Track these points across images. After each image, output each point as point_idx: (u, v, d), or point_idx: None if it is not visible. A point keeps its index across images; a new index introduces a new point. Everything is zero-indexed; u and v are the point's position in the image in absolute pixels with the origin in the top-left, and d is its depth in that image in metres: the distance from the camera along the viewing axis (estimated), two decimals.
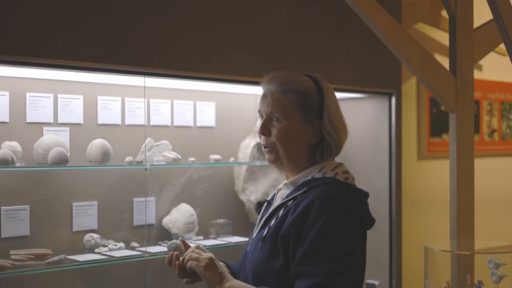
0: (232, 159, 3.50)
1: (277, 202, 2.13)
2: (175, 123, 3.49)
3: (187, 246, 2.10)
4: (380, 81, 3.97)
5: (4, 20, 2.56)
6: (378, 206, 4.04)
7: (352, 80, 3.81)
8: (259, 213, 2.22)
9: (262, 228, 2.09)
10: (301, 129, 2.05)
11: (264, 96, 2.08)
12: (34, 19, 2.64)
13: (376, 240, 4.02)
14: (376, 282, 4.02)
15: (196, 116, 3.58)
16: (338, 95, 3.94)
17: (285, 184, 2.12)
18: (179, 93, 3.51)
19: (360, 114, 4.16)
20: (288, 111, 2.04)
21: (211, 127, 3.62)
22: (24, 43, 2.62)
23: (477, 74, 5.15)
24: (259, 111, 2.10)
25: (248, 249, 2.13)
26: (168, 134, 3.42)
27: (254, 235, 2.13)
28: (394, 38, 3.30)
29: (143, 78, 3.02)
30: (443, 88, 3.56)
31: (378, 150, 4.09)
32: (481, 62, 4.90)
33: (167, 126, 3.46)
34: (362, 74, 3.88)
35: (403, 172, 4.46)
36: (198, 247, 2.05)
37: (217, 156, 3.43)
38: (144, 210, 3.31)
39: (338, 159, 2.15)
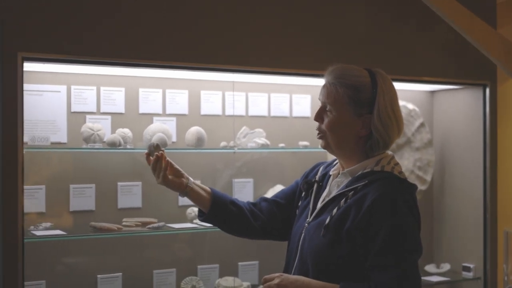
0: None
1: (333, 189, 2.28)
2: (272, 114, 3.95)
3: (164, 159, 2.41)
4: (474, 72, 4.13)
5: (122, 29, 3.12)
6: (473, 193, 4.24)
7: (443, 72, 4.01)
8: (308, 193, 2.39)
9: (320, 213, 2.25)
10: (350, 121, 2.19)
11: (323, 86, 2.26)
12: (148, 29, 3.19)
13: (473, 226, 4.24)
14: (471, 265, 4.20)
15: (292, 107, 4.01)
16: (430, 87, 4.20)
17: (342, 173, 2.27)
18: (276, 87, 3.96)
19: (455, 105, 4.35)
20: (338, 104, 2.19)
21: (306, 117, 4.02)
22: (137, 48, 3.15)
23: None
24: (319, 99, 2.27)
25: (303, 232, 2.27)
26: (264, 124, 3.87)
27: (310, 218, 2.27)
28: (471, 31, 3.48)
29: (233, 74, 3.50)
30: None
31: (474, 139, 4.25)
32: None
33: (264, 117, 3.92)
34: (454, 65, 4.07)
35: None
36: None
37: (305, 143, 3.83)
38: (241, 190, 3.80)
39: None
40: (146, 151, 2.43)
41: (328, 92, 2.23)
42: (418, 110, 4.21)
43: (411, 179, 4.05)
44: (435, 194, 4.47)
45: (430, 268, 4.29)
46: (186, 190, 2.45)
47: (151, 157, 2.41)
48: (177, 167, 2.46)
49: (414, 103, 4.25)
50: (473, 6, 3.46)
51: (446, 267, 4.29)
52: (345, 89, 2.20)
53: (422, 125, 4.20)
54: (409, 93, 4.31)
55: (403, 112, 4.05)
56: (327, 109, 2.24)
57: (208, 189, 2.50)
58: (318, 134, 2.28)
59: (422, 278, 4.03)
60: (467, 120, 4.30)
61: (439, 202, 4.46)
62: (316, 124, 2.29)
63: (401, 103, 4.02)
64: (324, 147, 2.29)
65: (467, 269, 4.23)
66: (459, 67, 4.09)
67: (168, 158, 2.44)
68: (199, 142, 3.48)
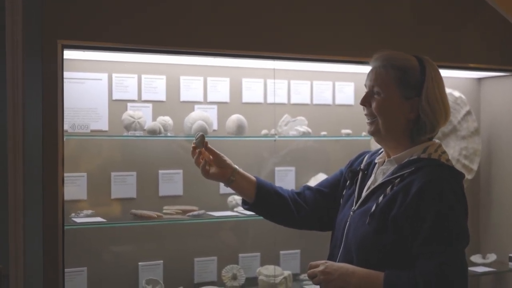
0: (364, 133, 3.80)
1: (379, 176, 2.28)
2: (314, 102, 3.90)
3: (208, 148, 2.43)
4: None
5: (163, 17, 3.09)
6: None
7: (490, 58, 3.91)
8: (353, 182, 2.38)
9: (365, 201, 2.25)
10: (399, 104, 2.20)
11: (370, 71, 2.27)
12: (189, 16, 3.15)
13: None
14: None
15: (335, 95, 3.95)
16: (476, 74, 4.10)
17: (388, 160, 2.26)
18: (319, 74, 3.90)
19: (503, 93, 4.24)
20: (387, 85, 2.20)
21: (350, 105, 3.97)
22: (178, 36, 3.12)
23: None
24: (365, 85, 2.28)
25: (348, 220, 2.27)
26: (307, 112, 3.83)
27: (355, 207, 2.28)
28: None
29: (275, 62, 3.45)
30: None
31: None
32: None
33: (306, 104, 3.87)
34: (501, 52, 3.96)
35: None
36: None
37: (348, 131, 3.78)
38: (283, 178, 3.77)
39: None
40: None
41: (377, 75, 2.23)
42: (464, 97, 4.12)
43: (457, 168, 3.94)
44: (481, 183, 4.37)
45: (476, 258, 4.20)
46: (228, 181, 2.46)
47: (196, 150, 2.44)
48: (224, 158, 2.47)
49: (460, 90, 4.15)
50: None
51: (492, 257, 4.20)
52: (395, 71, 2.21)
53: (468, 113, 4.10)
54: (455, 81, 4.21)
55: (449, 100, 3.96)
56: (374, 92, 2.23)
57: (253, 179, 2.49)
58: (368, 120, 2.27)
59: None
60: None
61: (485, 192, 4.36)
62: (362, 112, 2.30)
63: (447, 90, 3.88)
64: (372, 133, 2.27)
65: None
66: (506, 54, 3.98)
67: (214, 149, 2.46)
68: (239, 130, 3.46)
